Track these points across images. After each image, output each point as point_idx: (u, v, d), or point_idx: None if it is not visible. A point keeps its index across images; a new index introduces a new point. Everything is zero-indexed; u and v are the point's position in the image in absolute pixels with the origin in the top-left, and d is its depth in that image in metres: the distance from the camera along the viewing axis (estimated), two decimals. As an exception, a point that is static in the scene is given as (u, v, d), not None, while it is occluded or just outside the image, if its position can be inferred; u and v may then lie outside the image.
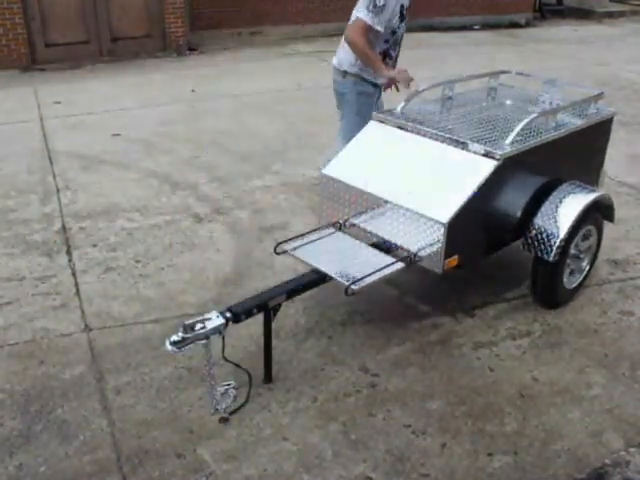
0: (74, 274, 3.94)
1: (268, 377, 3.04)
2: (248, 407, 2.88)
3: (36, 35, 9.10)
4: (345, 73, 4.13)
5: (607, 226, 3.79)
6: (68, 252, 4.20)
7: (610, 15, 13.74)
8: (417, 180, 3.26)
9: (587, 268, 3.74)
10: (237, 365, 2.93)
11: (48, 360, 3.19)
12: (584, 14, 13.62)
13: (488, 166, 3.12)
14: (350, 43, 3.93)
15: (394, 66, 4.16)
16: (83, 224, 4.57)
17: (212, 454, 2.65)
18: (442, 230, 3.01)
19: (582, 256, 3.65)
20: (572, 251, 3.50)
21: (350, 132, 3.84)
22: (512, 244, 3.56)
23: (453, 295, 3.73)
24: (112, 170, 5.55)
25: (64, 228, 4.52)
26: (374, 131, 3.59)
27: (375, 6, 3.79)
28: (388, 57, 4.11)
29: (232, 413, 2.84)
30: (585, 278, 3.75)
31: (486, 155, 3.15)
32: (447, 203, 3.06)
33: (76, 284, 3.84)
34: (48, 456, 2.64)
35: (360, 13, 3.85)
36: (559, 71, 8.53)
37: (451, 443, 2.72)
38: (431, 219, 3.05)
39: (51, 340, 3.34)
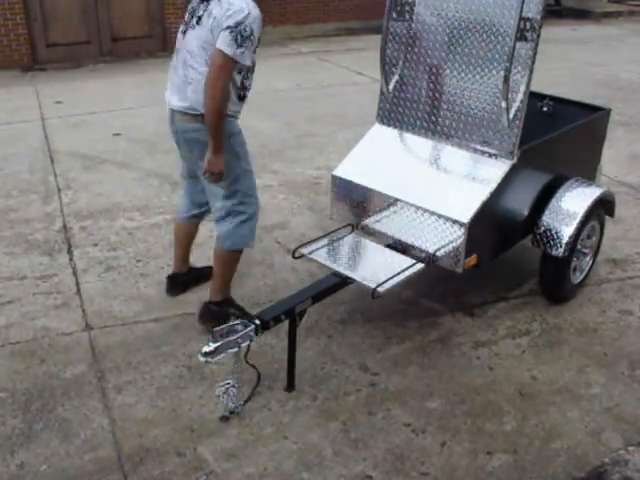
0: (75, 273, 3.95)
1: (291, 384, 2.98)
2: (248, 406, 2.89)
3: (37, 35, 9.11)
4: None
5: (606, 226, 3.81)
6: (69, 251, 4.21)
7: (608, 15, 13.72)
8: (431, 180, 3.27)
9: (590, 264, 3.78)
10: (253, 366, 2.92)
11: (49, 359, 3.20)
12: (582, 14, 13.60)
13: (504, 165, 3.14)
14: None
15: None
16: (84, 223, 4.58)
17: (212, 453, 2.66)
18: (462, 230, 3.02)
19: (586, 252, 3.70)
20: (578, 246, 3.54)
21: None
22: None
23: (453, 294, 3.73)
24: (113, 169, 5.56)
25: (65, 227, 4.53)
26: (381, 133, 3.58)
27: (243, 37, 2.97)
28: (247, 90, 3.36)
29: (232, 412, 2.85)
30: (588, 274, 3.79)
31: (500, 156, 3.16)
32: (466, 203, 3.07)
33: (77, 283, 3.85)
34: (49, 455, 2.65)
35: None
36: (558, 71, 8.56)
37: (451, 442, 2.73)
38: (450, 219, 3.05)
39: (52, 339, 3.35)
